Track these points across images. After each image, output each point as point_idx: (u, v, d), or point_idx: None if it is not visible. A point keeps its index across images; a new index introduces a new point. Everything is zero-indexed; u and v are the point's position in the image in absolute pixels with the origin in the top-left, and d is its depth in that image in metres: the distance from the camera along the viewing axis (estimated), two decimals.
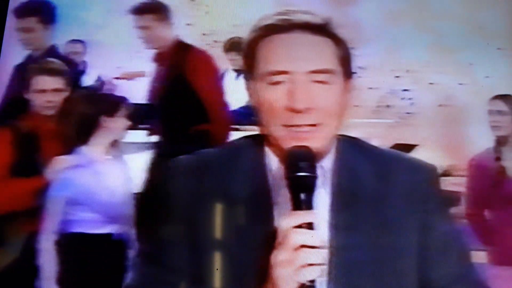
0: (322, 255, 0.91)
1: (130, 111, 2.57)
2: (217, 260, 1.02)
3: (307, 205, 0.95)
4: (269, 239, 0.96)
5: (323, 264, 0.91)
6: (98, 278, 2.35)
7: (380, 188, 1.06)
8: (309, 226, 0.92)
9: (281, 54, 1.02)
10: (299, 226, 0.91)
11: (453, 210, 2.97)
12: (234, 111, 3.40)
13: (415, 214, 1.07)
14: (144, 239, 1.16)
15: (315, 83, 1.01)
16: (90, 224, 2.41)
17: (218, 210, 1.04)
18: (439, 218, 1.10)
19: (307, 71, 1.01)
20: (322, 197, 1.03)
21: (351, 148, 1.10)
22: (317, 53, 1.03)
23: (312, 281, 0.90)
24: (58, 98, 2.60)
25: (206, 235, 1.04)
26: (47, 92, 2.60)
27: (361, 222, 1.04)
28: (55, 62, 2.74)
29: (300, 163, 0.97)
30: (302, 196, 0.95)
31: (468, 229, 2.75)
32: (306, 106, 0.99)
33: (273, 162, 1.07)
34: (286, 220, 0.93)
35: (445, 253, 1.09)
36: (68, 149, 2.49)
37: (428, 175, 1.12)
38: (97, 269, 2.37)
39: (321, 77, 1.01)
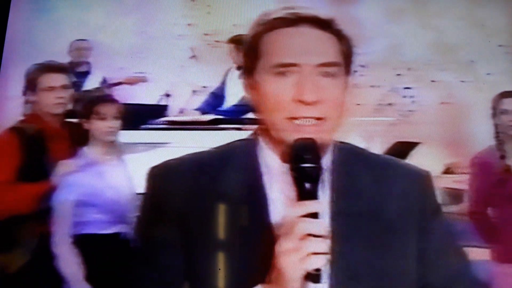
0: (327, 244, 0.92)
1: (121, 112, 2.56)
2: (217, 260, 1.02)
3: (312, 195, 0.96)
4: (268, 233, 0.97)
5: (328, 253, 0.92)
6: (108, 278, 2.36)
7: (377, 192, 1.08)
8: (314, 215, 0.93)
9: (290, 47, 1.03)
10: (305, 216, 0.92)
11: (456, 208, 2.98)
12: (231, 109, 3.40)
13: (412, 218, 1.09)
14: (139, 241, 1.16)
15: (323, 76, 1.02)
16: (98, 225, 2.43)
17: (214, 210, 1.04)
18: (435, 222, 1.12)
19: (316, 64, 1.02)
20: (322, 193, 1.03)
21: (348, 152, 1.12)
22: (324, 47, 1.04)
23: (318, 270, 0.91)
24: (67, 94, 2.61)
25: (202, 235, 1.04)
26: (56, 88, 2.60)
27: (360, 218, 1.06)
28: (57, 61, 2.76)
29: (306, 155, 0.98)
30: (307, 185, 0.96)
31: (471, 227, 2.75)
32: (314, 99, 1.00)
33: (269, 158, 1.07)
34: (292, 209, 0.94)
35: (442, 255, 1.11)
36: (74, 150, 2.51)
37: (423, 181, 1.14)
38: (107, 269, 2.38)
39: (328, 70, 1.02)
